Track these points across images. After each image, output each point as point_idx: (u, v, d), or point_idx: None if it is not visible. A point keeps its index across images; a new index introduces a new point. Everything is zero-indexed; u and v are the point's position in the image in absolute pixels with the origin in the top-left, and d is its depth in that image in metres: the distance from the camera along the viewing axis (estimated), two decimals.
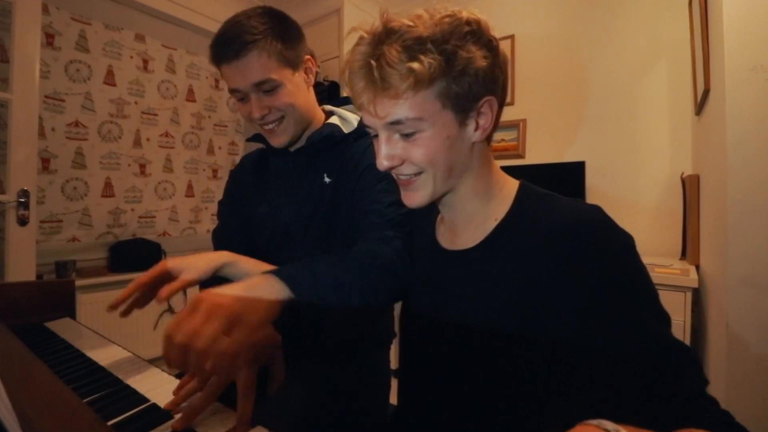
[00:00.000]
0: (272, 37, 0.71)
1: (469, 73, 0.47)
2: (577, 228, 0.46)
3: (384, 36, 0.47)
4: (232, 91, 0.74)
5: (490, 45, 0.49)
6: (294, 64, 0.75)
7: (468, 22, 0.47)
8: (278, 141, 0.79)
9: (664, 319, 0.44)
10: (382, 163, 0.51)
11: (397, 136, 0.50)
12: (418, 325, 0.61)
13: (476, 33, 0.48)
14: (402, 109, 0.47)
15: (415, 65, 0.45)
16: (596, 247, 0.44)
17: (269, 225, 0.83)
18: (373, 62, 0.46)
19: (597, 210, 0.48)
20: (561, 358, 0.45)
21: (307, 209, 0.79)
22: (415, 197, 0.54)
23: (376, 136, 0.53)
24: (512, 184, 0.57)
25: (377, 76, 0.46)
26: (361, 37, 0.49)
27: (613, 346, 0.42)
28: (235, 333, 0.45)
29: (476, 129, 0.51)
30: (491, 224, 0.54)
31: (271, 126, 0.77)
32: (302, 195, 0.80)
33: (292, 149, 0.83)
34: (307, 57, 0.79)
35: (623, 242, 0.46)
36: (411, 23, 0.47)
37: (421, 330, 0.60)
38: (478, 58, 0.47)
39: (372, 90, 0.48)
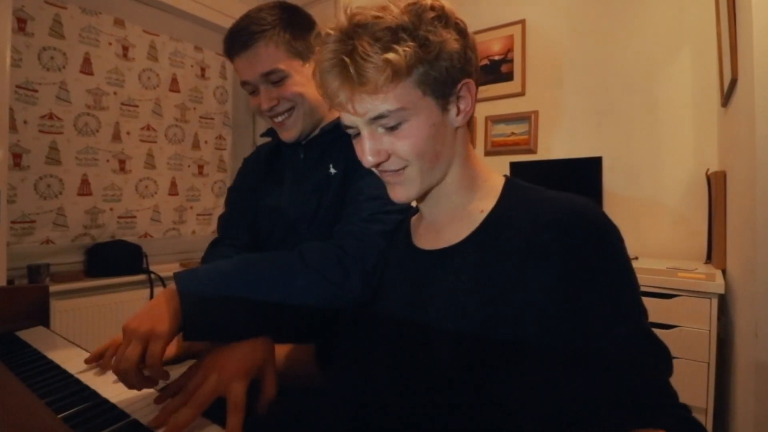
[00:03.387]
0: (280, 28, 0.77)
1: (444, 56, 0.50)
2: (572, 221, 0.49)
3: (352, 31, 0.49)
4: (243, 84, 0.81)
5: (458, 27, 0.52)
6: (303, 55, 0.80)
7: (432, 8, 0.50)
8: (288, 135, 0.83)
9: (645, 311, 0.49)
10: (368, 159, 0.53)
11: (381, 130, 0.52)
12: (389, 330, 0.60)
13: (442, 17, 0.51)
14: (383, 102, 0.49)
15: (391, 56, 0.47)
16: (592, 240, 0.48)
17: (275, 217, 0.87)
18: (346, 58, 0.48)
19: (589, 203, 0.51)
20: (551, 351, 0.48)
21: (312, 202, 0.82)
22: (402, 192, 0.56)
23: (357, 135, 0.55)
24: (497, 178, 0.60)
25: (353, 72, 0.48)
26: (327, 35, 0.51)
27: (598, 336, 0.46)
28: (152, 344, 0.53)
29: (458, 114, 0.54)
30: (478, 217, 0.57)
31: (280, 118, 0.81)
32: (309, 187, 0.84)
33: (304, 141, 0.87)
34: (318, 49, 0.82)
35: (615, 236, 0.50)
36: (378, 14, 0.49)
37: (394, 336, 0.59)
38: (451, 40, 0.51)
39: (349, 87, 0.49)
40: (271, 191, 0.91)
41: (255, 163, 0.97)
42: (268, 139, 0.97)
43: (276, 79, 0.77)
